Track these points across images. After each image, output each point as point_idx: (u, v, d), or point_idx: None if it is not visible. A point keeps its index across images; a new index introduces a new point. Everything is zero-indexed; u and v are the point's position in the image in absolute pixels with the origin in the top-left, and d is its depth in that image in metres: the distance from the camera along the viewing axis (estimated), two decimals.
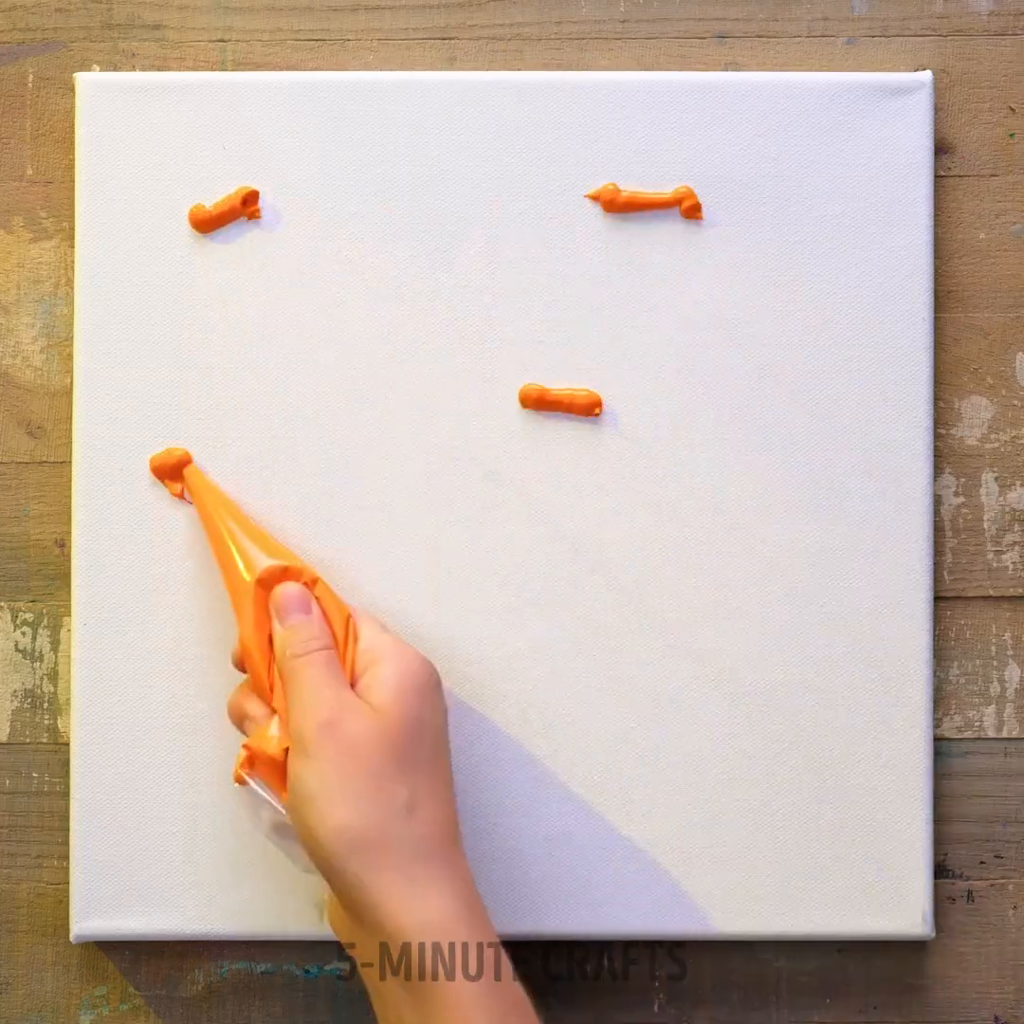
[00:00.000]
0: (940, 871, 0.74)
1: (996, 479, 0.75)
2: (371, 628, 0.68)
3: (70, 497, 0.73)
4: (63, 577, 0.74)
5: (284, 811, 0.65)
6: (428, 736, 0.65)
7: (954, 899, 0.75)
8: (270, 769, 0.66)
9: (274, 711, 0.67)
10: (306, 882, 0.73)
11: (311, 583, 0.68)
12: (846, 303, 0.73)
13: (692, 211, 0.73)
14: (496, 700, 0.73)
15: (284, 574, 0.68)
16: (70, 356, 0.75)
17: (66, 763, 0.74)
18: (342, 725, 0.63)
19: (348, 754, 0.63)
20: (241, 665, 0.69)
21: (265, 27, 0.75)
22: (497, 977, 0.61)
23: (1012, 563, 0.75)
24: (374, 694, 0.65)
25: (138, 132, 0.73)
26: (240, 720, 0.69)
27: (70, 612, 0.74)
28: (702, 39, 0.75)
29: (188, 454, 0.73)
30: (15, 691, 0.75)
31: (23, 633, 0.75)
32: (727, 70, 0.75)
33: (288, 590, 0.68)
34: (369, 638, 0.67)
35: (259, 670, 0.68)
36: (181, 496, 0.73)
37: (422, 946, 0.60)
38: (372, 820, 0.62)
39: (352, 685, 0.66)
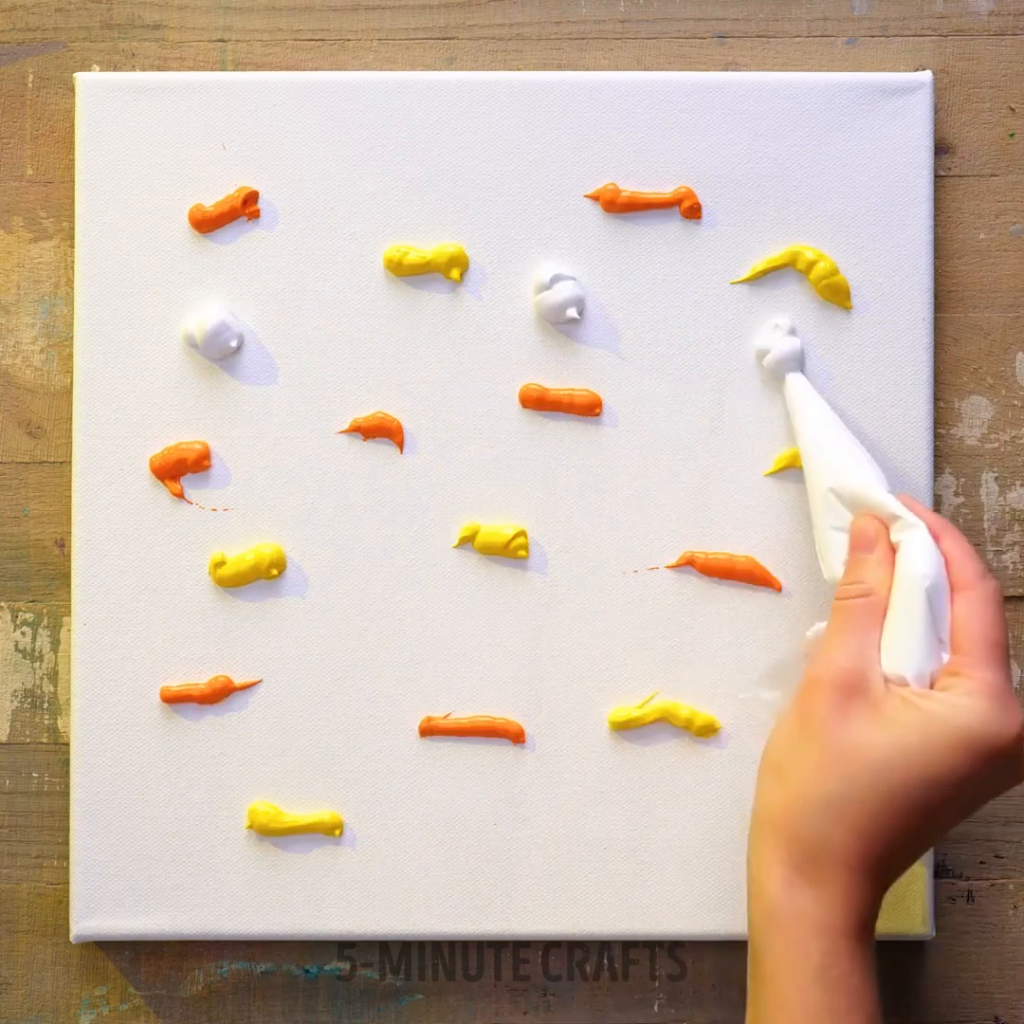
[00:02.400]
0: (940, 871, 0.74)
1: (996, 479, 0.75)
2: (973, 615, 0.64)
3: (70, 497, 0.74)
4: (63, 577, 0.74)
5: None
6: (940, 791, 0.60)
7: (954, 899, 0.75)
8: None
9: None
10: (307, 881, 0.73)
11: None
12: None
13: (692, 211, 0.73)
14: (494, 698, 0.73)
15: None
16: (70, 356, 0.75)
17: (66, 763, 0.74)
18: (834, 689, 0.62)
19: (846, 746, 0.61)
20: None
21: (265, 27, 0.75)
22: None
23: (1012, 563, 0.75)
24: (926, 718, 0.61)
25: (138, 132, 0.73)
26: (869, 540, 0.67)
27: (70, 612, 0.74)
28: (702, 39, 0.75)
29: (206, 447, 0.73)
30: (15, 691, 0.75)
31: (23, 633, 0.75)
32: (727, 70, 0.75)
33: (860, 524, 0.66)
34: (967, 650, 0.63)
35: None
36: (181, 496, 0.73)
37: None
38: (796, 777, 0.61)
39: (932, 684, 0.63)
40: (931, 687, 0.63)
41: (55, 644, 0.75)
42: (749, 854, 0.63)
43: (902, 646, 0.63)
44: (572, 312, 0.72)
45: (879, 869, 0.61)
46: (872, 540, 0.66)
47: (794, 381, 0.71)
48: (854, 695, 0.62)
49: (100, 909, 0.73)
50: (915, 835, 0.61)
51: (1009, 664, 0.63)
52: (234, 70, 0.75)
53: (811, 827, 0.61)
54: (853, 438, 0.70)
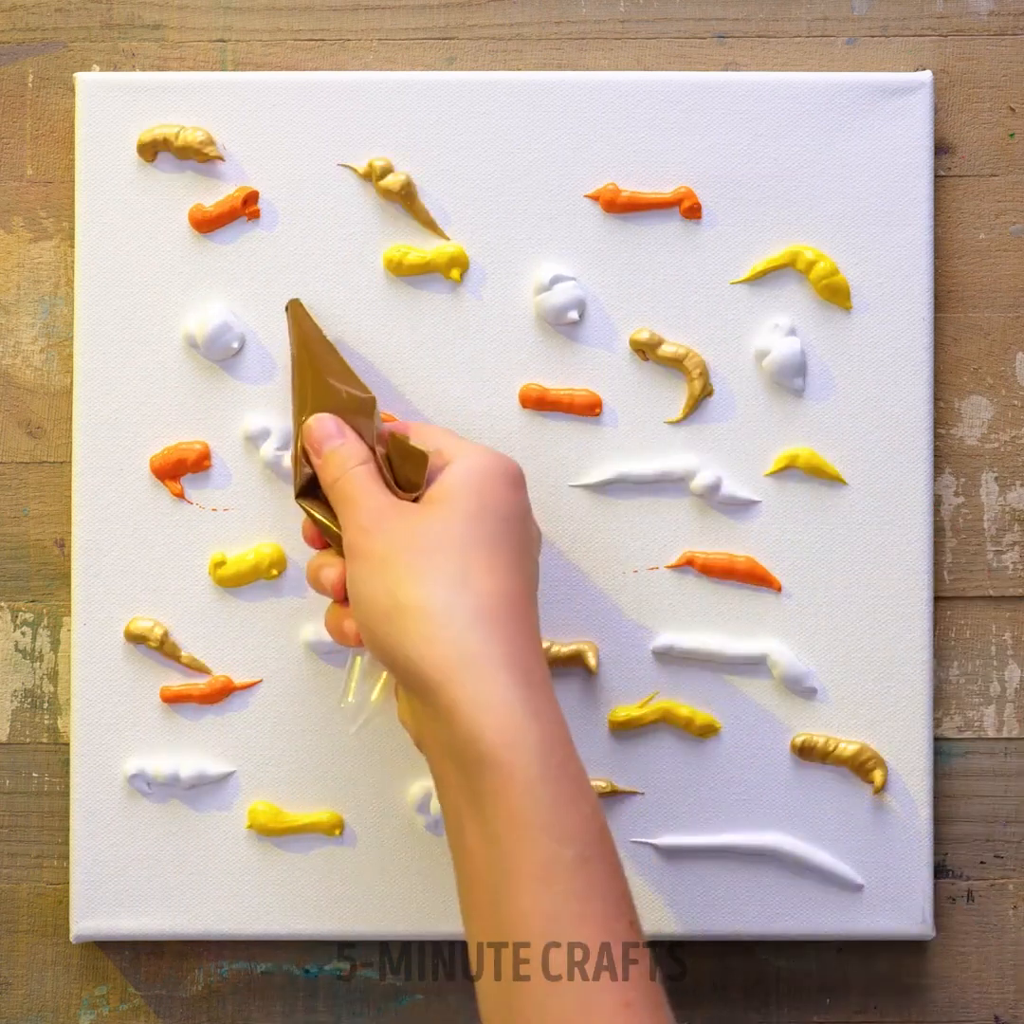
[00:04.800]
0: (940, 871, 0.74)
1: (996, 479, 0.75)
2: (448, 437, 0.66)
3: (70, 497, 0.74)
4: (63, 577, 0.74)
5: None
6: (492, 520, 0.62)
7: (954, 899, 0.75)
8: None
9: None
10: (307, 881, 0.73)
11: (362, 407, 0.67)
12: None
13: (692, 211, 0.73)
14: None
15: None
16: (70, 356, 0.75)
17: (66, 763, 0.74)
18: (381, 524, 0.62)
19: (394, 546, 0.61)
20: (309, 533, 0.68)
21: (265, 27, 0.75)
22: (557, 769, 0.58)
23: (1012, 563, 0.75)
24: (436, 492, 0.63)
25: (138, 132, 0.73)
26: (315, 576, 0.67)
27: (70, 612, 0.74)
28: (702, 39, 0.75)
29: (206, 447, 0.73)
30: (15, 691, 0.75)
31: (23, 633, 0.75)
32: (727, 70, 0.75)
33: (317, 420, 0.67)
34: (445, 444, 0.66)
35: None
36: (181, 496, 0.73)
37: (475, 726, 0.57)
38: (420, 593, 0.60)
39: (421, 498, 0.64)
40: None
41: (55, 644, 0.75)
42: (417, 705, 0.61)
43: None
44: (572, 314, 0.72)
45: (531, 591, 0.62)
46: (338, 429, 0.67)
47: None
48: (404, 512, 0.63)
49: (100, 909, 0.73)
50: (516, 566, 0.62)
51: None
52: (234, 70, 0.75)
53: (468, 607, 0.60)
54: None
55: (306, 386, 0.68)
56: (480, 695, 0.58)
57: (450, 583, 0.60)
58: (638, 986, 0.56)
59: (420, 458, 0.64)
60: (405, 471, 0.65)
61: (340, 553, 0.66)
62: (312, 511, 0.67)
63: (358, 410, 0.67)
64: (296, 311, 0.71)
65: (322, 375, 0.68)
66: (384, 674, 0.68)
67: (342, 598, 0.65)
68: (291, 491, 0.73)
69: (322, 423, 0.67)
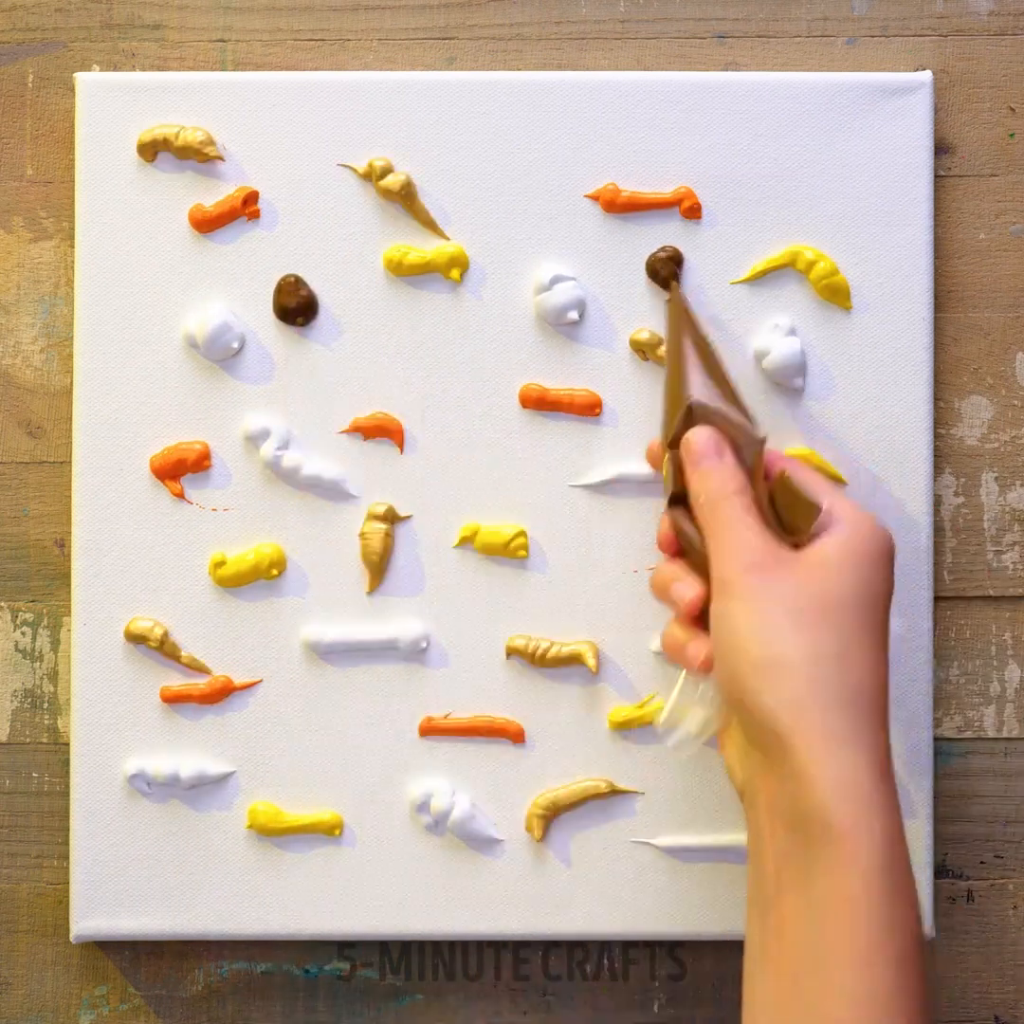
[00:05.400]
0: (940, 871, 0.74)
1: (996, 479, 0.75)
2: (831, 490, 0.65)
3: (70, 497, 0.74)
4: (63, 577, 0.74)
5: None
6: (867, 600, 0.62)
7: (954, 899, 0.75)
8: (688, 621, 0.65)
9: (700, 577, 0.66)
10: (307, 881, 0.73)
11: (750, 442, 0.66)
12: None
13: (692, 211, 0.73)
14: (494, 698, 0.73)
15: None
16: (70, 356, 0.75)
17: (66, 763, 0.74)
18: (768, 568, 0.62)
19: (774, 596, 0.61)
20: (666, 540, 0.68)
21: (265, 27, 0.75)
22: (890, 861, 0.59)
23: (1012, 563, 0.75)
24: (819, 554, 0.63)
25: (138, 132, 0.73)
26: (664, 588, 0.67)
27: (70, 612, 0.74)
28: (702, 39, 0.75)
29: (206, 447, 0.73)
30: (15, 691, 0.75)
31: (23, 633, 0.75)
32: (727, 70, 0.75)
33: (699, 434, 0.66)
34: (825, 495, 0.64)
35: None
36: (181, 496, 0.73)
37: (828, 799, 0.58)
38: (797, 656, 0.60)
39: (801, 546, 0.63)
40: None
41: (55, 644, 0.75)
42: (762, 762, 0.61)
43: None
44: (572, 315, 0.72)
45: (886, 697, 0.62)
46: (718, 447, 0.66)
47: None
48: (786, 563, 0.62)
49: (100, 909, 0.73)
50: (882, 653, 0.63)
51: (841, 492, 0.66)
52: (234, 70, 0.75)
53: (833, 686, 0.60)
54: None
55: (686, 385, 0.67)
56: (840, 773, 0.59)
57: (830, 655, 0.60)
58: None
59: (810, 509, 0.64)
60: (791, 516, 0.64)
61: (698, 572, 0.65)
62: (681, 522, 0.66)
63: (742, 438, 0.66)
64: (678, 301, 0.70)
65: (711, 384, 0.67)
66: (712, 708, 0.67)
67: (691, 619, 0.65)
68: (291, 491, 0.73)
69: (706, 438, 0.66)
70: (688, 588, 0.65)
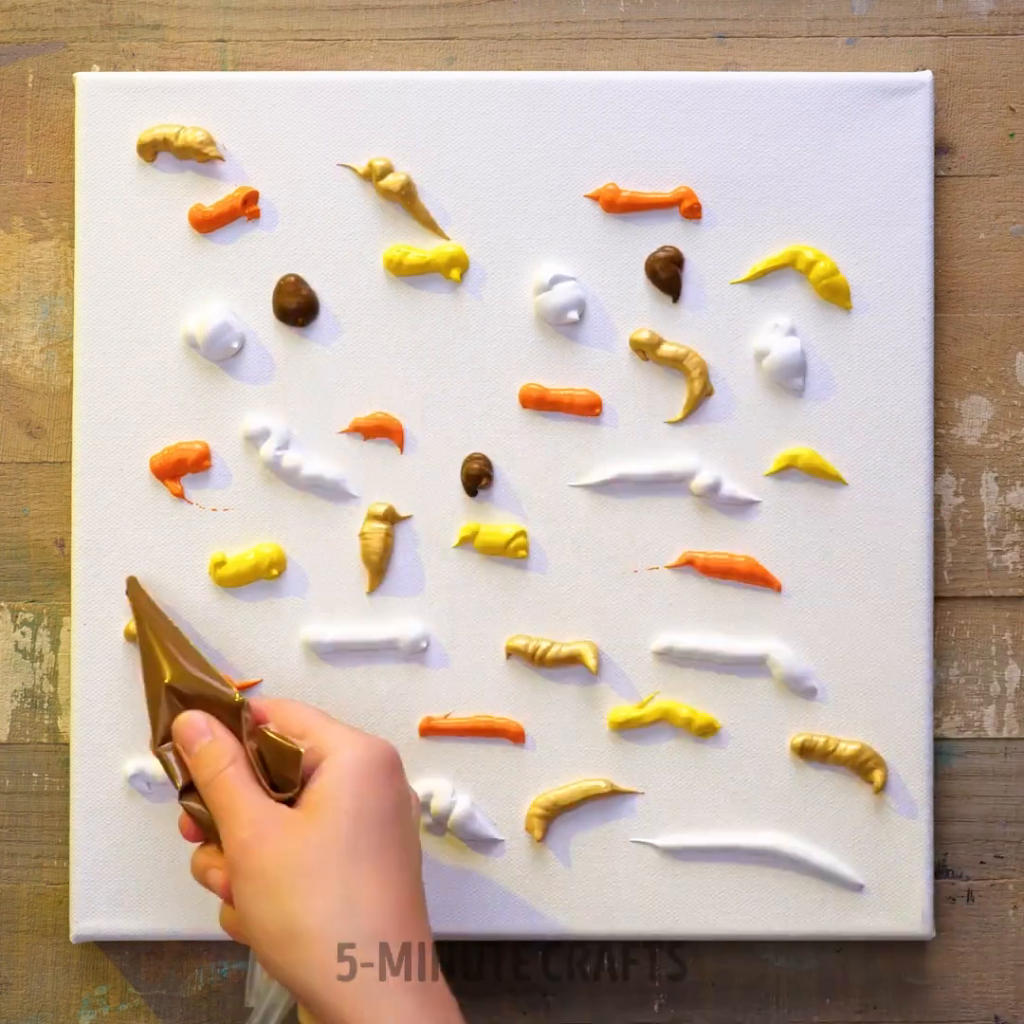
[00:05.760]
0: (940, 871, 0.74)
1: (996, 479, 0.75)
2: (318, 721, 0.66)
3: (70, 497, 0.73)
4: (63, 577, 0.74)
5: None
6: (374, 824, 0.62)
7: (954, 899, 0.75)
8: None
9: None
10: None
11: (230, 707, 0.66)
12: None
13: (692, 211, 0.73)
14: (494, 698, 0.73)
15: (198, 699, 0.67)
16: (70, 356, 0.75)
17: (66, 763, 0.74)
18: (262, 839, 0.62)
19: (279, 864, 0.61)
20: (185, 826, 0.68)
21: (265, 27, 0.75)
22: None
23: (1012, 563, 0.75)
24: (310, 800, 0.63)
25: (138, 132, 0.73)
26: (202, 875, 0.67)
27: (70, 612, 0.74)
28: (702, 39, 0.75)
29: (206, 446, 0.73)
30: (15, 691, 0.75)
31: (23, 633, 0.75)
32: (727, 70, 0.75)
33: (184, 720, 0.66)
34: (317, 733, 0.65)
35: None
36: (181, 496, 0.73)
37: None
38: (312, 922, 0.60)
39: (301, 785, 0.64)
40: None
41: (55, 644, 0.75)
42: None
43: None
44: (572, 315, 0.72)
45: (419, 920, 0.63)
46: (205, 726, 0.66)
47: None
48: (280, 829, 0.62)
49: (100, 909, 0.73)
50: (412, 860, 0.64)
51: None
52: (234, 70, 0.75)
53: (365, 934, 0.60)
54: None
55: (160, 673, 0.68)
56: (375, 1018, 0.59)
57: (339, 908, 0.61)
58: None
59: (293, 756, 0.64)
60: (279, 768, 0.65)
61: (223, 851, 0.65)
62: (191, 806, 0.66)
63: (221, 705, 0.67)
64: (136, 593, 0.71)
65: (180, 663, 0.68)
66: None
67: (230, 900, 0.65)
68: (291, 491, 0.73)
69: (191, 721, 0.66)
70: (218, 872, 0.65)
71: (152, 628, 0.69)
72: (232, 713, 0.66)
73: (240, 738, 0.66)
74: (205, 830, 0.66)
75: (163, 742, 0.67)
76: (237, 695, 0.67)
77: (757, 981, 0.74)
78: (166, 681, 0.67)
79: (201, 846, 0.67)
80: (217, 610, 0.73)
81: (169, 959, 0.75)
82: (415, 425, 0.73)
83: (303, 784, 0.64)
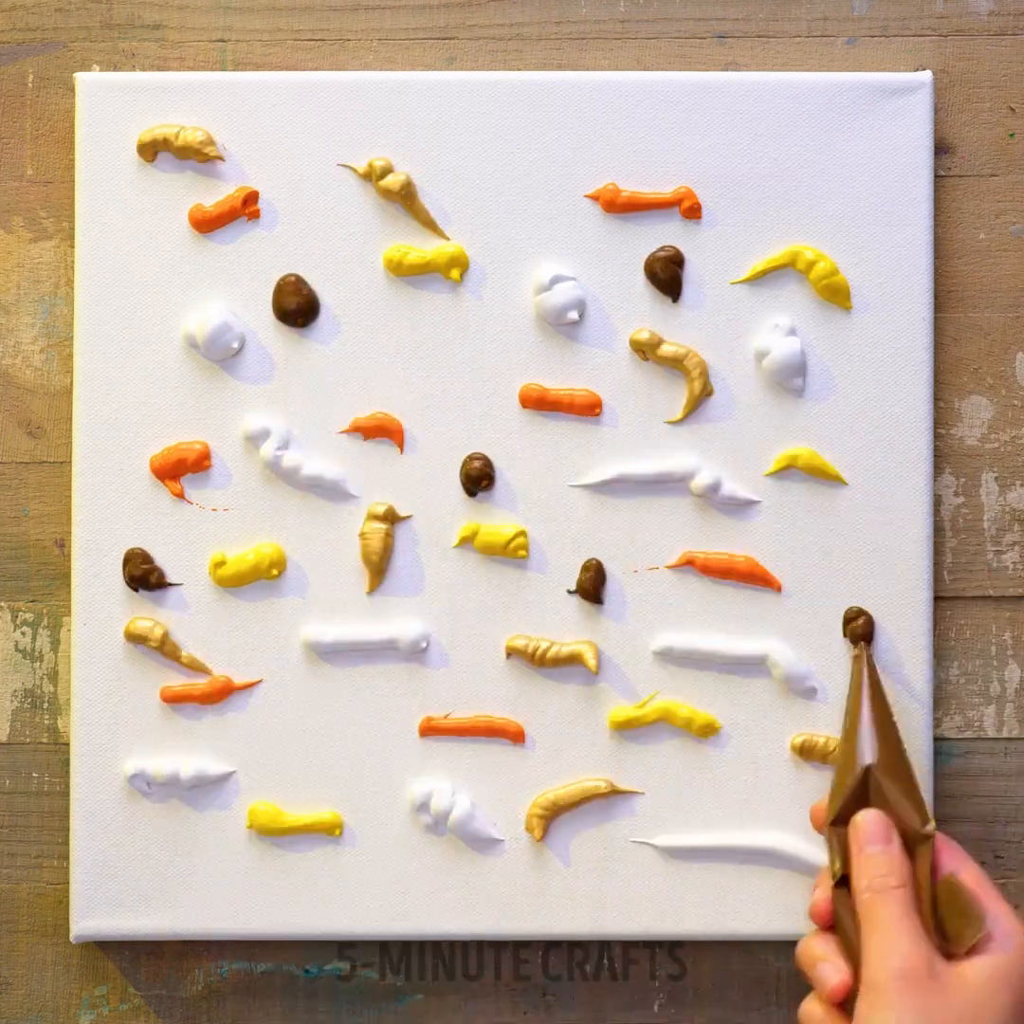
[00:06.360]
0: None
1: (996, 479, 0.75)
2: (996, 902, 0.64)
3: (70, 497, 0.74)
4: (63, 577, 0.74)
5: None
6: None
7: None
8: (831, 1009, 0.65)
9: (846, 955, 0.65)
10: (307, 881, 0.73)
11: (919, 838, 0.65)
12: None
13: (692, 211, 0.73)
14: (494, 698, 0.73)
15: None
16: (70, 356, 0.75)
17: (66, 763, 0.74)
18: (918, 981, 0.61)
19: (920, 1010, 0.61)
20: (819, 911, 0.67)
21: (265, 27, 0.75)
22: None
23: (1012, 563, 0.75)
24: (974, 973, 0.62)
25: (138, 132, 0.73)
26: (811, 964, 0.66)
27: (70, 612, 0.74)
28: (702, 39, 0.75)
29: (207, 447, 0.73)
30: (15, 691, 0.75)
31: (23, 633, 0.75)
32: (727, 70, 0.75)
33: (868, 817, 0.65)
34: (994, 913, 0.64)
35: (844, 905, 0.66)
36: (181, 496, 0.73)
37: None
38: None
39: (956, 956, 0.63)
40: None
41: (55, 644, 0.75)
42: None
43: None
44: (572, 315, 0.72)
45: None
46: (887, 832, 0.65)
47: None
48: (939, 977, 0.62)
49: (100, 909, 0.73)
50: None
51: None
52: (234, 70, 0.75)
53: None
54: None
55: (867, 749, 0.67)
56: None
57: None
58: None
59: (975, 921, 0.63)
60: (952, 924, 0.64)
61: (847, 954, 0.65)
62: (839, 902, 0.65)
63: (910, 827, 0.65)
64: (867, 668, 0.70)
65: (892, 754, 0.67)
66: None
67: (832, 1002, 0.65)
68: (291, 491, 0.73)
69: (871, 820, 0.65)
70: (836, 972, 0.65)
71: (875, 708, 0.68)
72: (917, 841, 0.65)
73: (914, 869, 0.65)
74: (836, 927, 0.66)
75: (836, 821, 0.66)
76: (932, 826, 0.66)
77: (757, 981, 0.74)
78: (868, 763, 0.66)
79: (818, 932, 0.66)
80: (217, 610, 0.73)
81: (169, 959, 0.75)
82: (415, 425, 0.73)
83: (967, 954, 0.63)
